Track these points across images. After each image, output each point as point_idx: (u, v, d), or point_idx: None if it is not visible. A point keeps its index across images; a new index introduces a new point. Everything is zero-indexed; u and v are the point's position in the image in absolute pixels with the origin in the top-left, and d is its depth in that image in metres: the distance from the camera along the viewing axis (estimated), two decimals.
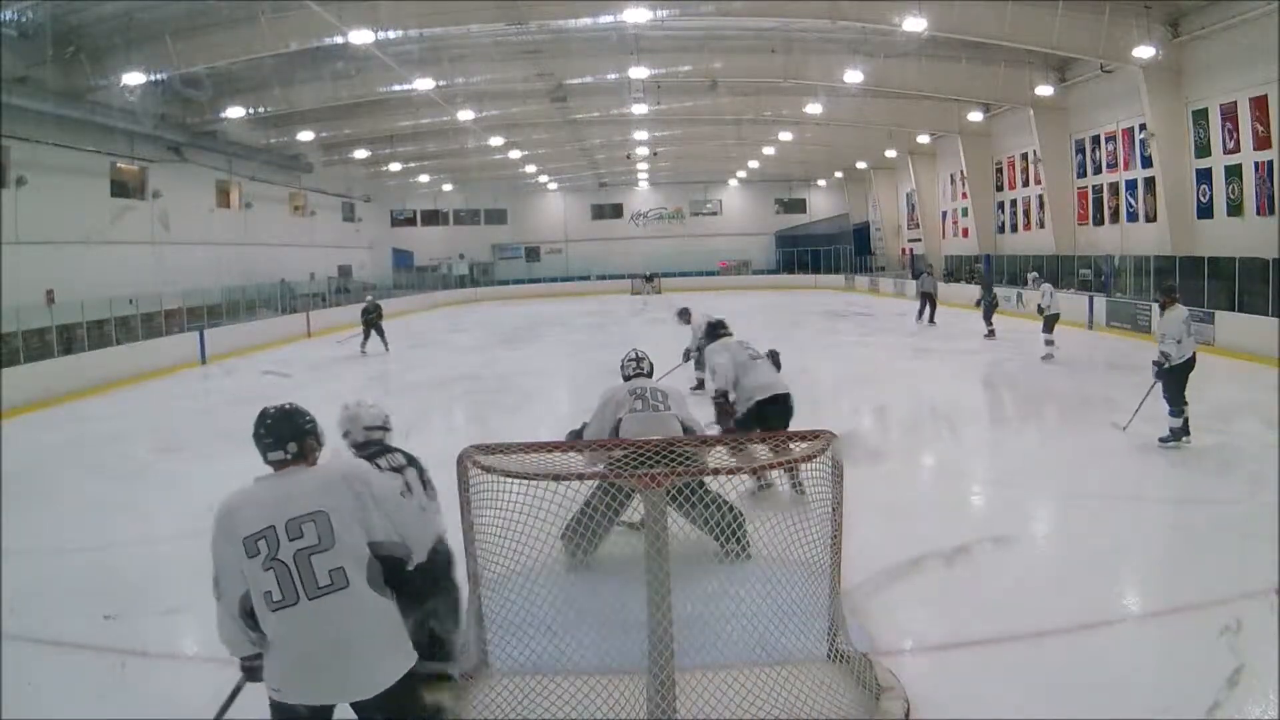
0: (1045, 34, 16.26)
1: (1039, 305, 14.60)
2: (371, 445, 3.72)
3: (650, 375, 5.62)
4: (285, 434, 2.66)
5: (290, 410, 2.72)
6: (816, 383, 12.56)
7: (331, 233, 32.67)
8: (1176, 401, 7.74)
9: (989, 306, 17.21)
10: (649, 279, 37.63)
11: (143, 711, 3.76)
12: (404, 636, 2.64)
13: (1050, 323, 14.10)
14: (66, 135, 17.03)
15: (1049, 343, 14.00)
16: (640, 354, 5.73)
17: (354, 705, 2.55)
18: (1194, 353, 7.79)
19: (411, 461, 3.69)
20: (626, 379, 5.52)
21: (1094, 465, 7.59)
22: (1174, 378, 7.72)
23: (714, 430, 5.90)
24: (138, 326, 17.00)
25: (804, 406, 10.92)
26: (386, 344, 18.14)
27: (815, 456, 3.62)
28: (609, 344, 19.03)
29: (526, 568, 3.50)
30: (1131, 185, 19.30)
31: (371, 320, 18.11)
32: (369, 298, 20.44)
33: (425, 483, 3.67)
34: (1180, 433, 7.78)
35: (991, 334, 16.90)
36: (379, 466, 3.45)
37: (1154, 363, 7.80)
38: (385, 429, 3.83)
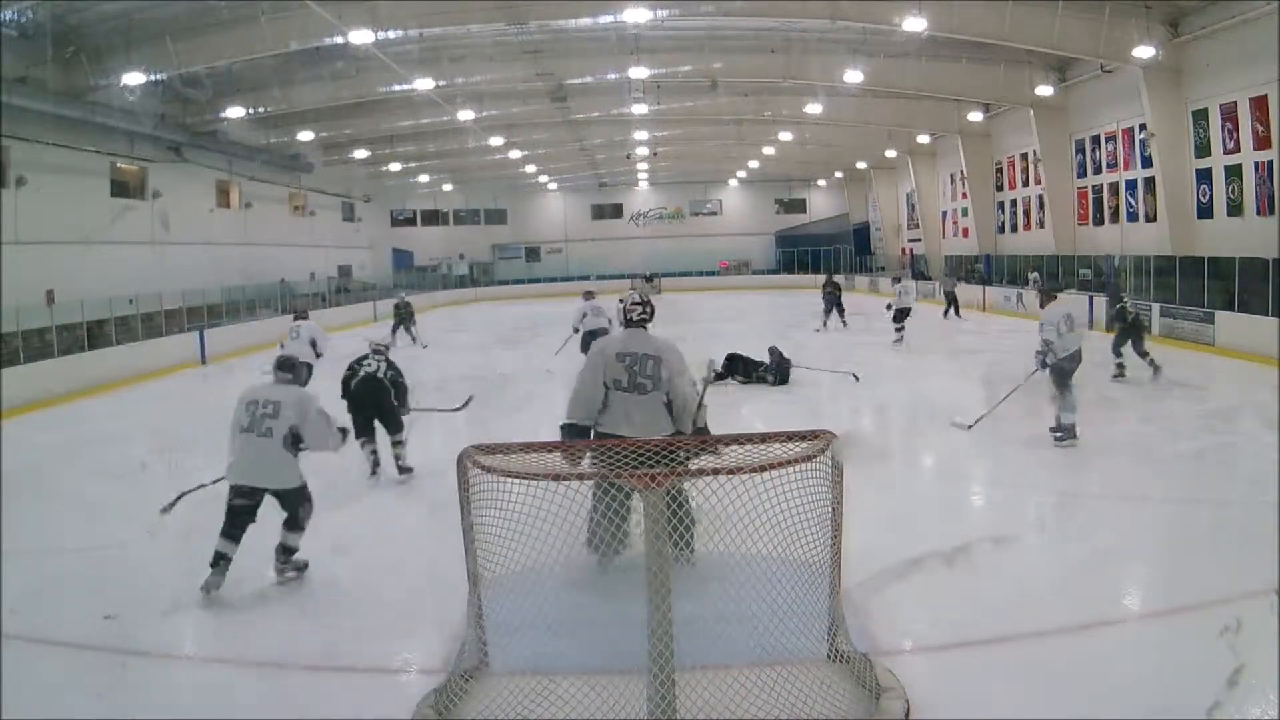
0: (1045, 34, 16.26)
1: (889, 303, 17.07)
2: (375, 351, 7.78)
3: (649, 320, 4.98)
4: (289, 367, 5.55)
5: (291, 357, 5.77)
6: (817, 383, 12.55)
7: (331, 233, 32.64)
8: (1066, 397, 7.94)
9: (832, 301, 19.20)
10: (649, 279, 37.61)
11: (143, 711, 3.76)
12: (298, 470, 5.22)
13: (900, 315, 16.35)
14: (66, 135, 17.02)
15: (897, 330, 16.38)
16: (643, 297, 5.10)
17: (275, 494, 5.14)
18: (1079, 348, 7.98)
19: (389, 364, 7.84)
20: (625, 325, 5.00)
21: (1094, 465, 7.59)
22: (1060, 374, 7.90)
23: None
24: (138, 326, 16.99)
25: (804, 406, 11.00)
26: (415, 338, 19.32)
27: (815, 456, 3.62)
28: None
29: (526, 568, 3.50)
30: (1131, 185, 19.30)
31: (402, 315, 19.58)
32: (402, 294, 22.35)
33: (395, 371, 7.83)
34: (1071, 431, 7.88)
35: (824, 328, 18.96)
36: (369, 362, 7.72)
37: (1037, 353, 7.94)
38: (384, 348, 8.01)
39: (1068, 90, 20.87)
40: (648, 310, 4.99)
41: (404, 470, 7.62)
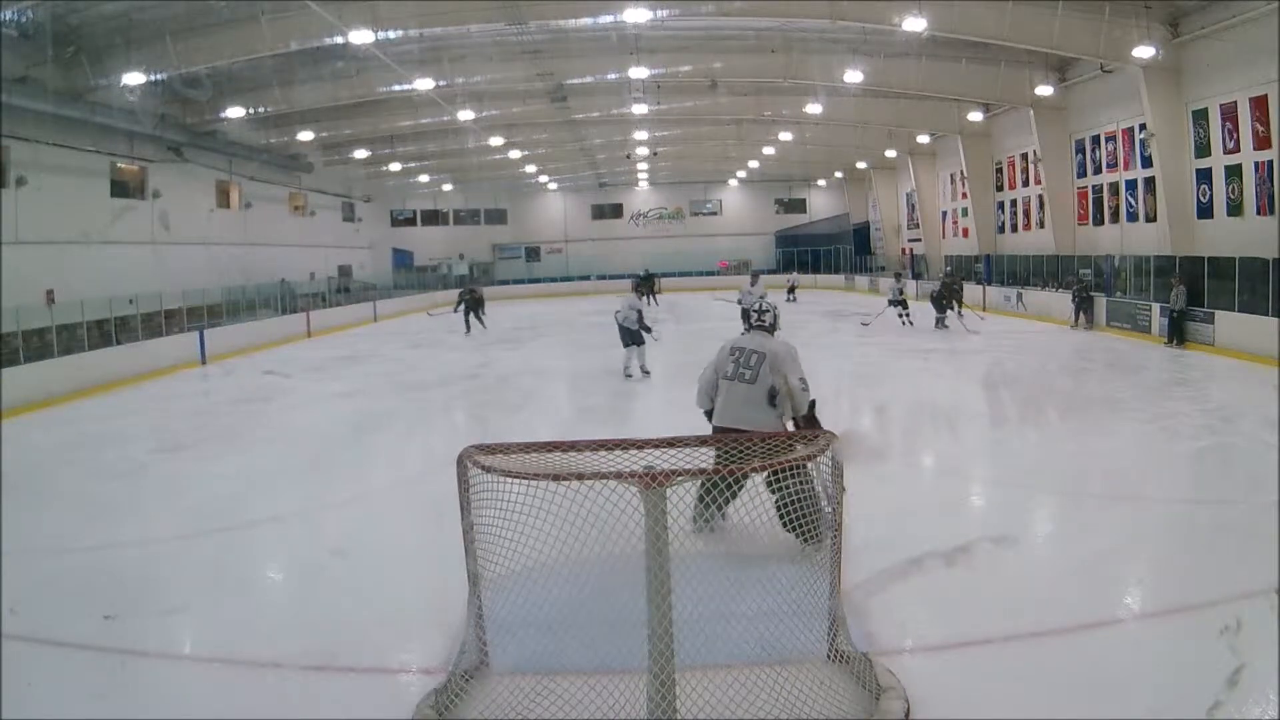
0: (1045, 34, 16.25)
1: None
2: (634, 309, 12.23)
3: (772, 329, 5.61)
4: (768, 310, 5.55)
5: (767, 304, 5.60)
6: (817, 383, 12.55)
7: (331, 233, 32.65)
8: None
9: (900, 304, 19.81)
10: (647, 279, 37.83)
11: (143, 711, 3.76)
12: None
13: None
14: (66, 135, 17.02)
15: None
16: (766, 305, 5.67)
17: None
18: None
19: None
20: (750, 328, 5.65)
21: (1094, 465, 7.59)
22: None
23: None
24: (138, 326, 16.97)
25: None
26: (484, 324, 21.54)
27: (815, 456, 3.63)
28: (609, 344, 18.98)
29: (526, 568, 3.50)
30: (1131, 185, 19.29)
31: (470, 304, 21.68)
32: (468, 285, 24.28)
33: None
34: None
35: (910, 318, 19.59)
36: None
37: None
38: (639, 317, 12.39)
39: (1068, 90, 20.87)
40: (767, 316, 5.57)
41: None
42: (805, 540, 4.08)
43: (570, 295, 36.32)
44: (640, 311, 12.76)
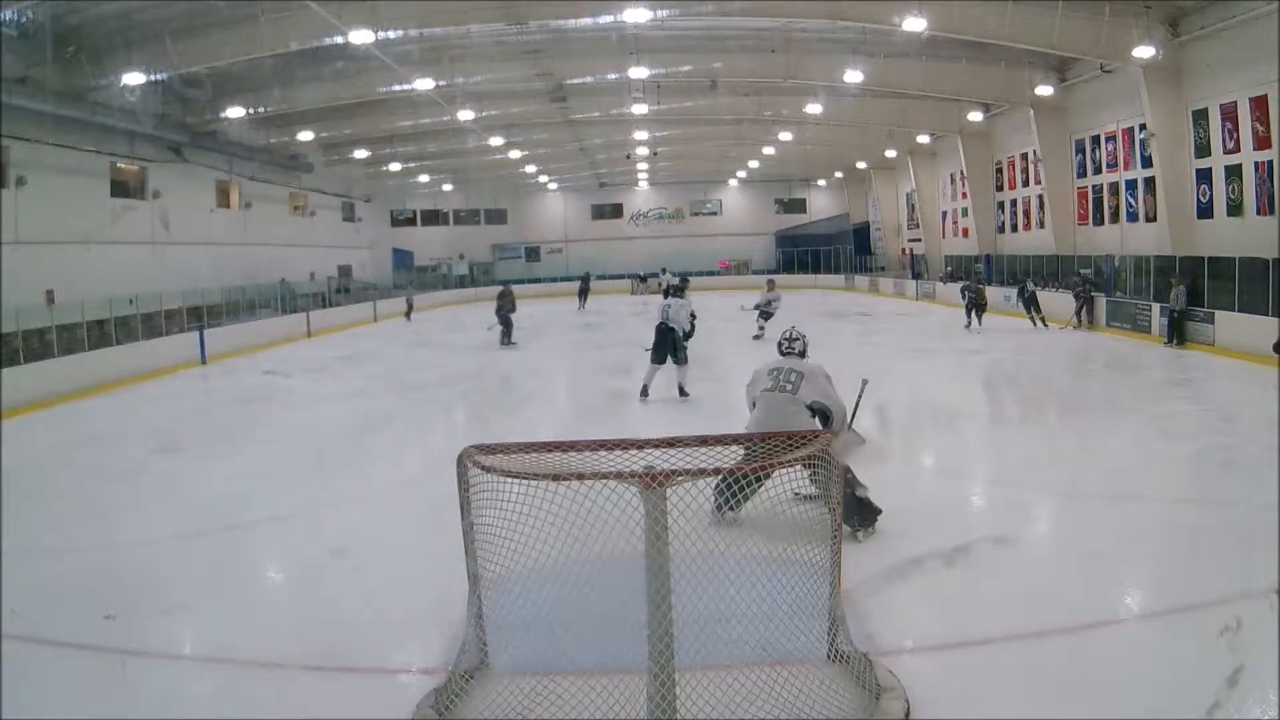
0: (1045, 34, 16.25)
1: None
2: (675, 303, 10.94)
3: (803, 355, 6.06)
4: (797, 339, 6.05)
5: (797, 333, 6.15)
6: None
7: (331, 233, 32.64)
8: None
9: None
10: (644, 279, 37.99)
11: (143, 711, 3.76)
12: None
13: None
14: (66, 135, 17.00)
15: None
16: (795, 334, 6.19)
17: None
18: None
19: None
20: (781, 355, 6.09)
21: (1094, 465, 7.60)
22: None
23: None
24: (138, 326, 16.97)
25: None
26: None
27: (815, 456, 3.63)
28: (608, 344, 19.00)
29: (526, 568, 3.50)
30: (1131, 185, 19.29)
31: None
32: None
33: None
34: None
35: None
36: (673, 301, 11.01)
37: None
38: (689, 322, 10.93)
39: (1068, 90, 20.86)
40: (796, 345, 6.11)
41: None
42: (847, 525, 4.31)
43: (570, 295, 36.27)
44: (693, 314, 11.14)
